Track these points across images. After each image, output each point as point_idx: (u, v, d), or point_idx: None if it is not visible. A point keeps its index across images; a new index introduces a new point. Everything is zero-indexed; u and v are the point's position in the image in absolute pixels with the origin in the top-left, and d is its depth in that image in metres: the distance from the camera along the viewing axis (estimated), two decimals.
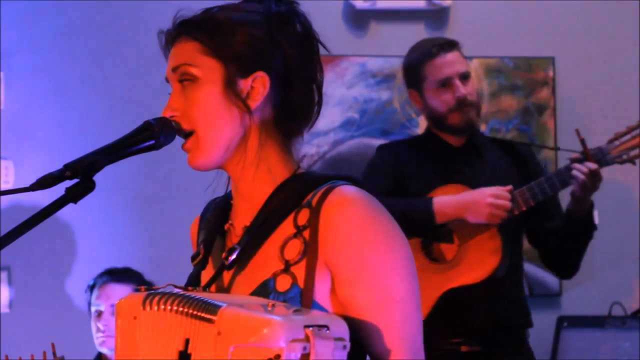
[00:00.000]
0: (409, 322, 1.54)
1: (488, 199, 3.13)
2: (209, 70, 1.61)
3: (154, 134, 1.61)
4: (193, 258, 1.67)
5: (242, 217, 1.66)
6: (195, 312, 1.45)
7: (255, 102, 1.62)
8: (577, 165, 3.18)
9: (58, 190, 1.56)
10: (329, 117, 4.14)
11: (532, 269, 3.99)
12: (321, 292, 1.54)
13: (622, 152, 3.22)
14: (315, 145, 4.12)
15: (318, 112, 1.69)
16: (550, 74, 4.23)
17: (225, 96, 1.60)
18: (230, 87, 1.60)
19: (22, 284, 4.00)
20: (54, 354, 2.98)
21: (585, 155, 3.20)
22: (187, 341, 1.46)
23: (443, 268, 3.22)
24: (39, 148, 4.01)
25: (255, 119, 1.62)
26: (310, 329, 1.36)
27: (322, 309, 1.54)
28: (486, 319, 3.21)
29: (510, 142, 3.50)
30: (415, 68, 3.35)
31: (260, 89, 1.62)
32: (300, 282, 1.54)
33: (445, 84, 3.29)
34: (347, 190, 1.57)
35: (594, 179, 3.17)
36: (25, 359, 2.95)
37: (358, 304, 1.53)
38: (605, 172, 4.30)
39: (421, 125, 4.23)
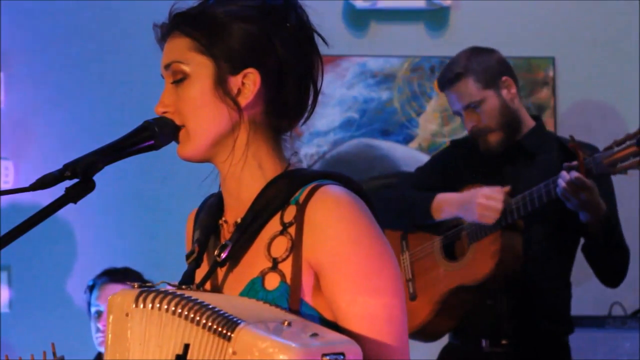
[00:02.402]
0: (395, 322, 1.54)
1: (479, 199, 3.13)
2: (199, 67, 1.60)
3: (154, 134, 1.60)
4: (188, 256, 1.66)
5: (233, 214, 1.65)
6: (210, 324, 1.42)
7: (246, 99, 1.61)
8: (563, 173, 3.04)
9: (58, 190, 1.56)
10: (329, 117, 4.14)
11: None
12: (307, 289, 1.55)
13: (616, 162, 3.05)
14: (315, 145, 4.11)
15: (313, 108, 1.67)
16: (550, 74, 4.23)
17: (215, 93, 1.60)
18: (220, 84, 1.60)
19: (22, 284, 4.00)
20: (54, 354, 2.97)
21: (578, 164, 3.05)
22: (186, 346, 1.43)
23: (454, 266, 3.23)
24: (39, 148, 4.01)
25: (245, 116, 1.61)
26: (328, 357, 1.35)
27: (308, 306, 1.54)
28: (512, 322, 3.20)
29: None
30: None
31: (250, 86, 1.61)
32: (288, 280, 1.54)
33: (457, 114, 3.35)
34: (333, 190, 1.56)
35: (576, 189, 3.02)
36: (25, 359, 2.94)
37: (344, 303, 1.53)
38: None
39: (421, 125, 4.23)
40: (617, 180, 4.26)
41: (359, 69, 4.19)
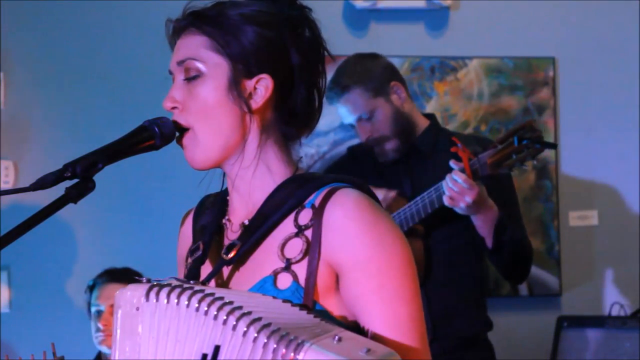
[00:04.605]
0: (416, 320, 1.55)
1: None
2: (214, 67, 1.62)
3: (154, 134, 1.61)
4: (192, 252, 1.67)
5: (239, 214, 1.66)
6: (263, 340, 1.37)
7: (257, 103, 1.63)
8: (448, 175, 3.01)
9: (58, 190, 1.56)
10: (329, 117, 4.14)
11: (533, 270, 3.98)
12: (322, 291, 1.55)
13: (500, 161, 2.99)
14: (315, 145, 4.12)
15: (317, 119, 1.70)
16: (551, 74, 4.23)
17: (228, 95, 1.61)
18: (234, 86, 1.61)
19: (22, 284, 4.00)
20: (54, 354, 2.97)
21: (464, 166, 3.00)
22: (216, 348, 1.39)
23: None
24: (39, 148, 4.01)
25: (255, 120, 1.64)
26: None
27: (321, 308, 1.55)
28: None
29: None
30: None
31: (262, 91, 1.63)
32: (301, 281, 1.55)
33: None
34: (351, 194, 1.58)
35: (461, 191, 2.98)
36: (25, 359, 2.95)
37: (366, 303, 1.54)
38: (605, 171, 4.28)
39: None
40: (617, 176, 4.25)
41: None
